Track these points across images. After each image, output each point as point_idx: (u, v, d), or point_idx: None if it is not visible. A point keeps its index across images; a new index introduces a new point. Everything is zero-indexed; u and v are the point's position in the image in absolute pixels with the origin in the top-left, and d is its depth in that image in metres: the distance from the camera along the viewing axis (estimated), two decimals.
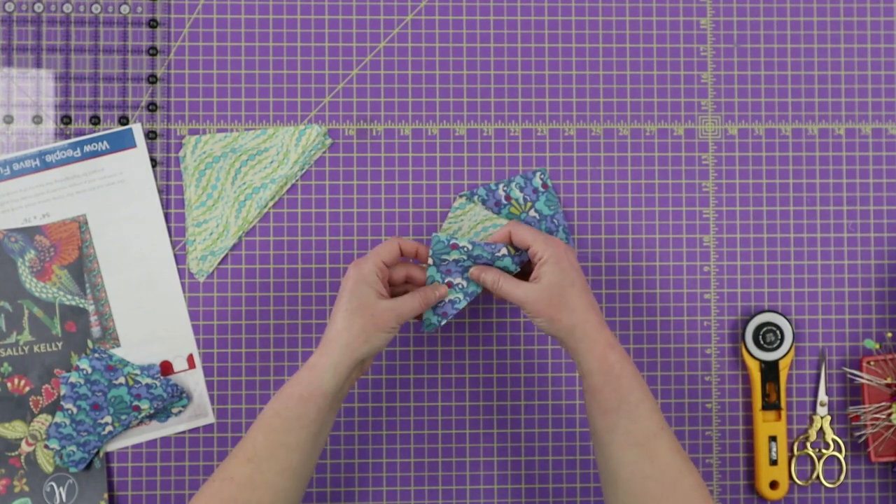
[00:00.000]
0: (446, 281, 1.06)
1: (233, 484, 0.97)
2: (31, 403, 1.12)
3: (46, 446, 1.11)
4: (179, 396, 1.12)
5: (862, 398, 1.14)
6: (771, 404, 1.14)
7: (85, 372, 1.11)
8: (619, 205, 1.16)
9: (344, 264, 1.15)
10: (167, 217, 1.14)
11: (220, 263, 1.14)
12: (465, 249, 1.05)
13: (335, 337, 1.00)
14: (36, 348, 1.12)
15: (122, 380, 1.11)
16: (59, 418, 1.11)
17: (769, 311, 1.15)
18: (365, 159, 1.16)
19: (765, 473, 1.14)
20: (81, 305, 1.13)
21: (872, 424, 1.13)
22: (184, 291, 1.14)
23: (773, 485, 1.15)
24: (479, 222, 1.13)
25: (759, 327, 1.15)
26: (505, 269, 1.06)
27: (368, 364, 1.06)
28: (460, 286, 1.07)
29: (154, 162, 1.15)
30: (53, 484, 1.12)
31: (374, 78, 1.16)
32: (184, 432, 1.14)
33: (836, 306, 1.17)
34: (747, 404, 1.16)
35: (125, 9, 1.15)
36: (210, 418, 1.14)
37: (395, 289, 1.07)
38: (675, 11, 1.18)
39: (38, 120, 1.14)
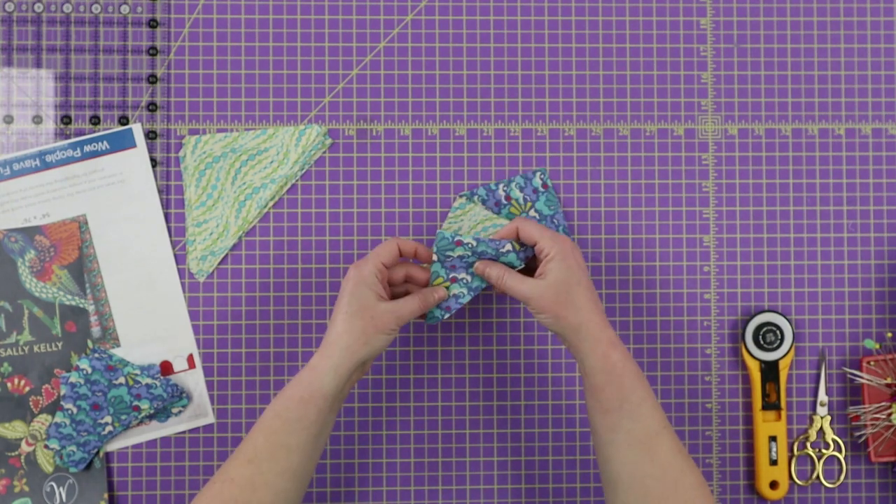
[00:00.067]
0: (450, 276, 1.06)
1: (233, 485, 0.98)
2: (31, 403, 1.12)
3: (46, 446, 1.11)
4: (179, 396, 1.12)
5: (862, 398, 1.14)
6: (771, 404, 1.14)
7: (85, 372, 1.11)
8: (619, 205, 1.16)
9: (344, 264, 1.15)
10: (167, 217, 1.14)
11: (220, 263, 1.14)
12: (470, 246, 1.05)
13: (335, 339, 1.00)
14: (36, 348, 1.12)
15: (122, 380, 1.11)
16: (59, 418, 1.11)
17: (769, 311, 1.15)
18: (365, 159, 1.16)
19: (765, 473, 1.14)
20: (81, 305, 1.13)
21: (872, 424, 1.13)
22: (184, 291, 1.14)
23: (773, 485, 1.15)
24: (479, 222, 1.13)
25: (759, 327, 1.15)
26: (509, 265, 1.06)
27: (369, 365, 1.06)
28: (464, 281, 1.07)
29: (154, 162, 1.15)
30: (53, 484, 1.12)
31: (374, 78, 1.16)
32: (184, 432, 1.14)
33: (836, 306, 1.17)
34: (747, 404, 1.16)
35: (125, 9, 1.15)
36: (210, 418, 1.14)
37: (395, 289, 1.07)
38: (675, 11, 1.18)
39: (38, 120, 1.14)
